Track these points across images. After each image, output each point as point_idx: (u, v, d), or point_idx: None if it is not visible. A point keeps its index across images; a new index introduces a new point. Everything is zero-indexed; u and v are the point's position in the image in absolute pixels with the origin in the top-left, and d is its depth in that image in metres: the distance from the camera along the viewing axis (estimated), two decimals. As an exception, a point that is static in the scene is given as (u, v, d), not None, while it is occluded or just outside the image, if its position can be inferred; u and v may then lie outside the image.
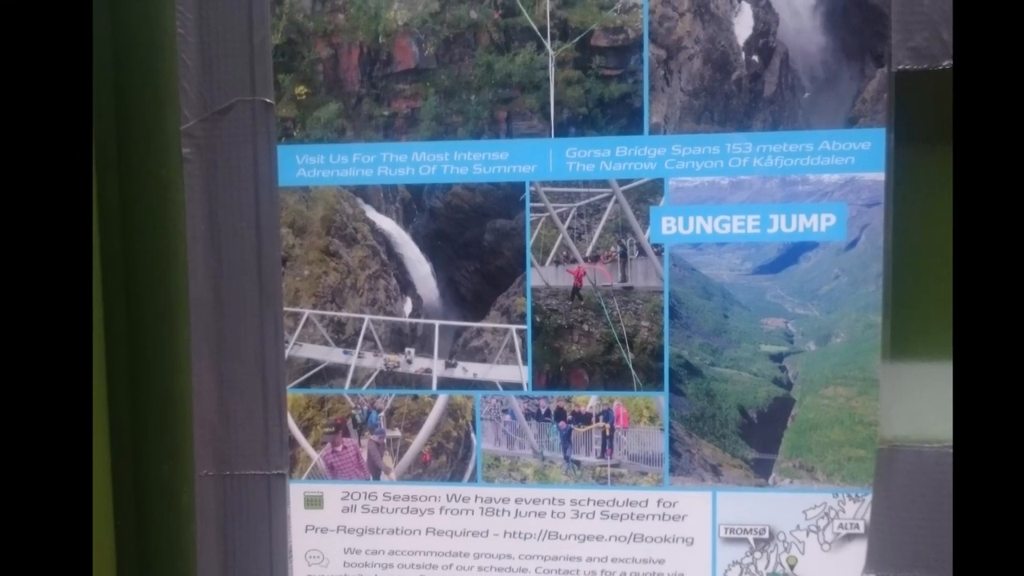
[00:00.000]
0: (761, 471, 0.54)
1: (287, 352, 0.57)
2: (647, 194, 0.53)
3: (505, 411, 0.56)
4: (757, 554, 0.55)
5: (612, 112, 0.53)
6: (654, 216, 0.53)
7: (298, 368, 0.57)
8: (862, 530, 0.54)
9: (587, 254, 0.54)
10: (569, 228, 0.54)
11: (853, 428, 0.53)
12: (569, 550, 0.56)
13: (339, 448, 0.57)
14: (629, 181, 0.53)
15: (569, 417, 0.55)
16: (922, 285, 0.52)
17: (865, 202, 0.51)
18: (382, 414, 0.57)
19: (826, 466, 0.54)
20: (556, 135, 0.53)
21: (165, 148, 0.57)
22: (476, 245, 0.55)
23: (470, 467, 0.56)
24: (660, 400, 0.54)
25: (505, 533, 0.57)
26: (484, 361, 0.56)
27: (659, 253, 0.53)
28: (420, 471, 0.57)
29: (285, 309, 0.56)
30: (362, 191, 0.55)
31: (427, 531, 0.57)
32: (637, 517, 0.55)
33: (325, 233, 0.56)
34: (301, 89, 0.55)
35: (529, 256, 0.54)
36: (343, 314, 0.56)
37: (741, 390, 0.54)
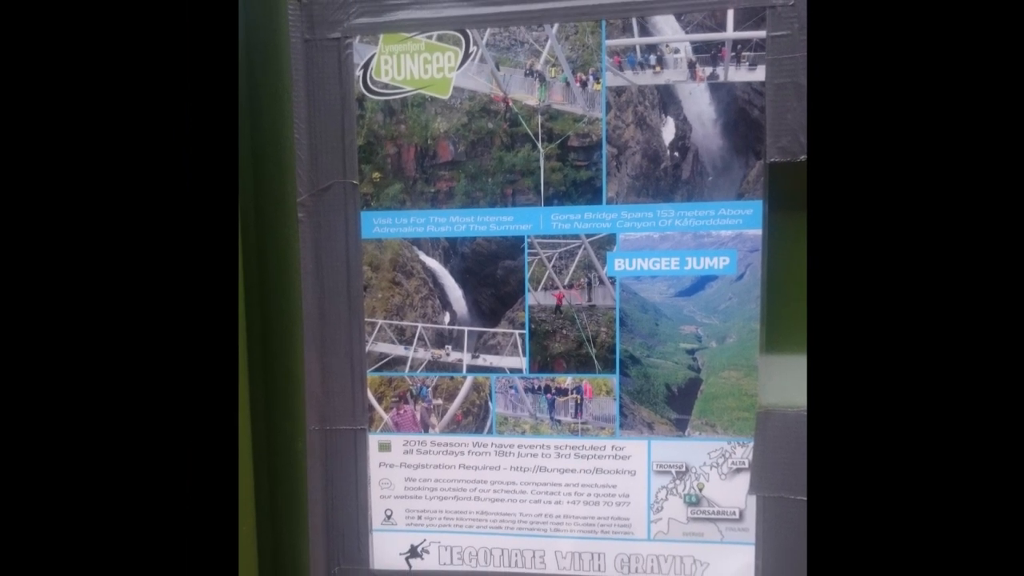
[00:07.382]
0: (680, 427, 0.54)
1: (367, 348, 0.57)
2: (605, 244, 0.54)
3: (511, 387, 0.56)
4: (678, 482, 0.55)
5: (581, 189, 0.53)
6: (609, 258, 0.54)
7: (374, 359, 0.57)
8: (747, 466, 0.54)
9: (565, 283, 0.55)
10: (553, 266, 0.54)
11: (741, 398, 0.53)
12: (553, 479, 0.57)
13: (401, 411, 0.58)
14: (593, 235, 0.54)
15: (553, 391, 0.56)
16: (786, 303, 0.53)
17: (749, 249, 0.52)
18: (430, 389, 0.57)
19: (723, 423, 0.54)
20: (545, 205, 0.54)
21: (286, 214, 0.58)
22: (492, 277, 0.55)
23: (488, 424, 0.57)
24: (613, 380, 0.55)
25: (511, 468, 0.57)
26: (497, 354, 0.56)
27: (613, 283, 0.54)
28: (455, 427, 0.57)
29: (366, 320, 0.57)
30: (417, 241, 0.56)
31: (459, 467, 0.58)
32: (598, 457, 0.56)
33: (392, 269, 0.56)
34: (376, 174, 0.55)
35: (527, 284, 0.55)
36: (404, 323, 0.57)
37: (667, 373, 0.54)
